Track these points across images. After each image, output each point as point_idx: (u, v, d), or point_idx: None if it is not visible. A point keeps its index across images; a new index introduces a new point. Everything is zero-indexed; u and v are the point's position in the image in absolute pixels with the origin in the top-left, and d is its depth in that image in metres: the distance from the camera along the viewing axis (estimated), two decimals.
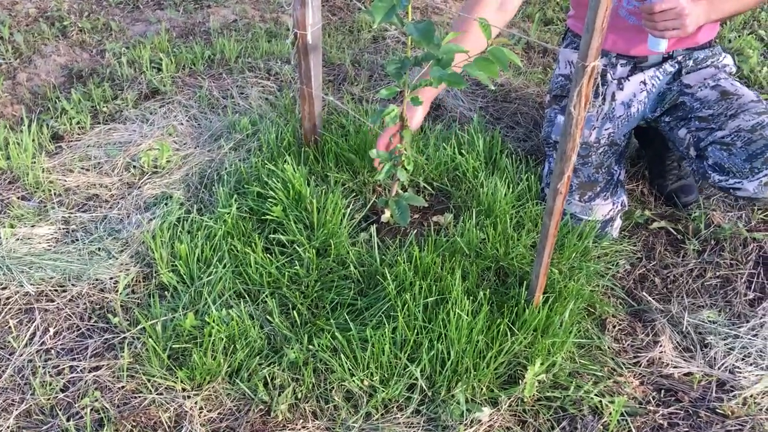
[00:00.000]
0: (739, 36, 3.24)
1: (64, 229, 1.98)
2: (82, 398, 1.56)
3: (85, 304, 1.78)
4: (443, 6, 3.54)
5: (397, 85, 1.75)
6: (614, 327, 1.82)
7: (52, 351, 1.67)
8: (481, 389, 1.58)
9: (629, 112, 2.06)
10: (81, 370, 1.63)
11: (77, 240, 1.94)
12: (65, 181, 2.14)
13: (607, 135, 2.04)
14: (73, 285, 1.81)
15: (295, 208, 1.97)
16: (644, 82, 2.08)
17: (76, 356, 1.66)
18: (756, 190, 1.81)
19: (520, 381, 1.59)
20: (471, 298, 1.71)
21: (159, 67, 2.78)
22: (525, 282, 1.78)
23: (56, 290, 1.80)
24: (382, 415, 1.55)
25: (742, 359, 1.73)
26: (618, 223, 2.06)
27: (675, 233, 2.11)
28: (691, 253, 2.03)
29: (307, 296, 1.77)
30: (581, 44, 1.28)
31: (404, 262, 1.78)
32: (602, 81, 2.08)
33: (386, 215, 2.02)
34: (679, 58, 2.07)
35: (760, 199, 1.85)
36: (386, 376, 1.59)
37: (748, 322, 1.82)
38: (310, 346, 1.64)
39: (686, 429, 1.56)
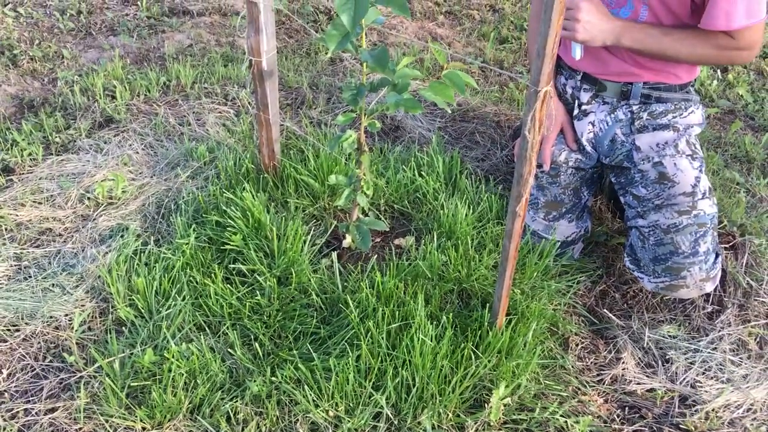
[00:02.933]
0: None
1: (16, 265, 1.92)
2: None
3: (39, 343, 1.72)
4: (400, 26, 3.56)
5: (354, 110, 1.75)
6: (577, 345, 1.83)
7: (6, 393, 1.61)
8: (447, 415, 1.57)
9: (586, 150, 2.05)
10: (36, 413, 1.57)
11: (30, 276, 1.89)
12: (17, 215, 2.08)
13: (574, 159, 2.04)
14: (26, 324, 1.76)
15: (255, 236, 1.95)
16: (593, 123, 2.03)
17: (30, 398, 1.61)
18: (654, 290, 1.84)
19: (486, 405, 1.59)
20: (434, 322, 1.71)
21: (113, 95, 2.74)
22: (488, 303, 1.78)
23: (9, 330, 1.75)
24: None
25: (703, 373, 1.75)
26: (579, 246, 2.07)
27: None
28: None
29: (270, 326, 1.75)
30: (532, 70, 1.29)
31: (367, 288, 1.77)
32: (573, 105, 2.08)
33: (348, 240, 2.00)
34: (634, 104, 1.96)
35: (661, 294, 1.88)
36: (351, 405, 1.57)
37: (707, 335, 1.85)
38: (273, 378, 1.61)
39: None
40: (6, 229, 2.04)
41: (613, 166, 2.04)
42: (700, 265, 1.75)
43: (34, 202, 2.15)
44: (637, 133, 1.96)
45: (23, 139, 2.42)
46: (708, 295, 1.97)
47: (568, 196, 2.03)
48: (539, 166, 2.04)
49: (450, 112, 1.88)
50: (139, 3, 3.61)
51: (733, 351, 1.81)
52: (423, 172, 2.26)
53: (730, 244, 2.10)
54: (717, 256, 1.82)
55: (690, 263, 1.75)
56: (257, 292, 1.81)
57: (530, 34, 2.14)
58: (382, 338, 1.65)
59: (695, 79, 1.99)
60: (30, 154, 2.36)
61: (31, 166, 2.32)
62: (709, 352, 1.80)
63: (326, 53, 2.92)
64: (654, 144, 1.92)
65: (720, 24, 1.71)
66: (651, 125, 1.95)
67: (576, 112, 2.05)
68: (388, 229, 2.07)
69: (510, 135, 2.58)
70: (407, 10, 1.47)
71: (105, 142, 2.44)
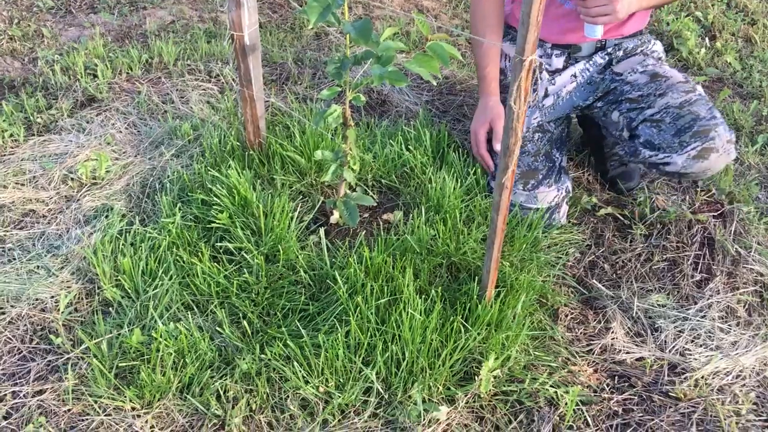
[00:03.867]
0: (676, 18, 3.29)
1: None
2: (26, 425, 1.50)
3: (25, 325, 1.71)
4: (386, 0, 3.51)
5: (339, 84, 1.72)
6: (566, 316, 1.83)
7: None
8: (438, 388, 1.57)
9: (557, 101, 2.11)
10: (24, 395, 1.56)
11: (14, 259, 1.87)
12: None
13: (535, 123, 2.08)
14: (12, 306, 1.74)
15: (242, 214, 1.93)
16: (574, 75, 2.14)
17: (18, 381, 1.60)
18: (684, 164, 1.83)
19: (476, 377, 1.59)
20: (423, 296, 1.70)
21: (94, 74, 2.69)
22: (477, 277, 1.78)
23: None
24: (339, 421, 1.52)
25: (692, 341, 1.75)
26: (564, 209, 2.07)
27: (622, 219, 2.13)
28: (639, 238, 2.06)
29: (258, 304, 1.74)
30: (518, 38, 1.27)
31: (355, 264, 1.76)
32: (539, 75, 2.11)
33: (335, 216, 1.99)
34: (609, 49, 2.11)
35: (689, 174, 1.86)
36: (341, 381, 1.57)
37: (695, 303, 1.85)
38: (263, 356, 1.60)
39: (641, 414, 1.58)
40: None
41: (598, 97, 2.13)
42: (723, 126, 1.83)
43: (16, 183, 2.12)
44: (615, 64, 2.12)
45: (4, 120, 2.38)
46: (696, 263, 1.97)
47: (541, 162, 2.05)
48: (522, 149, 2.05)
49: (436, 84, 1.87)
50: None
51: (722, 318, 1.82)
52: (410, 147, 2.24)
53: (719, 212, 2.10)
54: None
55: (714, 124, 1.82)
56: (245, 270, 1.80)
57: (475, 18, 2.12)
58: (371, 313, 1.65)
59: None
60: (11, 135, 2.33)
61: (12, 148, 2.29)
62: (698, 320, 1.80)
63: (309, 26, 2.88)
64: (631, 64, 2.09)
65: None
66: (624, 57, 2.13)
67: (546, 78, 2.12)
68: (375, 204, 2.05)
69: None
70: None
71: (87, 122, 2.41)
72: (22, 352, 1.66)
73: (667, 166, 1.86)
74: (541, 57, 2.11)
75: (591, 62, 2.12)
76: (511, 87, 1.33)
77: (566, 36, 2.07)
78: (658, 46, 2.18)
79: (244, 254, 1.83)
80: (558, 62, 2.13)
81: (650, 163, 1.91)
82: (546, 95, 2.13)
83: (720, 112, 1.90)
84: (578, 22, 1.98)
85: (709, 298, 1.86)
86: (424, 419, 1.51)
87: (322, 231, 1.92)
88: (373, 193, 2.12)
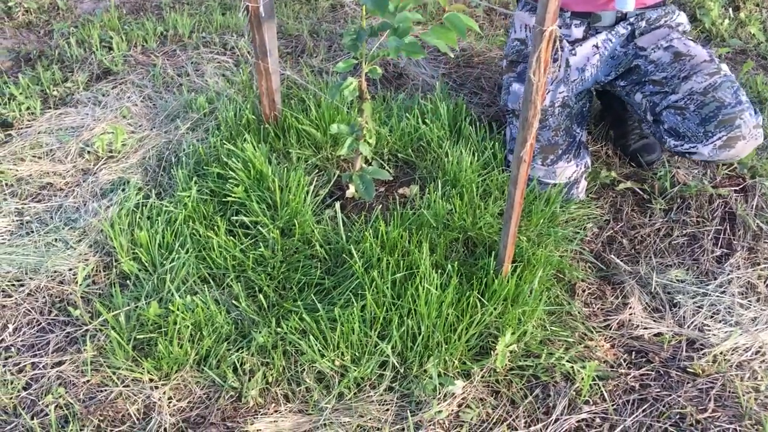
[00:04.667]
0: None
1: (17, 220, 1.91)
2: (45, 395, 1.52)
3: (44, 297, 1.72)
4: None
5: (355, 56, 1.70)
6: (584, 291, 1.81)
7: (12, 348, 1.62)
8: (453, 362, 1.57)
9: (583, 75, 2.05)
10: (43, 366, 1.58)
11: (32, 231, 1.88)
12: (17, 170, 2.06)
13: (561, 98, 2.02)
14: (30, 279, 1.75)
15: (258, 187, 1.92)
16: (597, 46, 2.06)
17: (37, 352, 1.61)
18: (711, 154, 1.81)
19: (492, 352, 1.59)
20: (439, 271, 1.70)
21: (110, 47, 2.69)
22: (493, 251, 1.77)
23: (13, 285, 1.75)
24: (354, 394, 1.53)
25: (711, 317, 1.74)
26: (583, 184, 2.04)
27: (641, 193, 2.10)
28: (658, 213, 2.03)
29: (274, 278, 1.74)
30: (538, 8, 1.24)
31: (371, 238, 1.75)
32: (559, 46, 2.05)
33: (351, 190, 1.98)
34: (632, 19, 2.04)
35: (716, 161, 1.85)
36: (357, 355, 1.57)
37: (715, 279, 1.83)
38: (279, 329, 1.61)
39: (658, 390, 1.57)
40: (6, 184, 2.02)
41: (620, 74, 2.07)
42: (749, 111, 1.79)
43: (33, 156, 2.13)
44: (638, 36, 2.04)
45: (21, 93, 2.38)
46: (717, 238, 1.94)
47: (561, 137, 2.01)
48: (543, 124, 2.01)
49: (453, 56, 1.84)
50: None
51: (742, 294, 1.79)
52: (427, 120, 2.22)
53: (740, 186, 2.07)
54: (754, 108, 1.85)
55: (740, 110, 1.78)
56: (260, 243, 1.80)
57: None
58: (387, 288, 1.64)
59: None
60: (28, 108, 2.33)
61: (29, 120, 2.29)
62: (717, 296, 1.78)
63: (327, 2, 2.84)
64: (655, 39, 2.01)
65: None
66: (647, 30, 2.04)
67: (567, 48, 2.05)
68: (391, 178, 2.04)
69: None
70: None
71: (103, 95, 2.41)
72: (41, 323, 1.67)
73: (693, 155, 1.85)
74: (560, 27, 2.06)
75: (613, 32, 2.05)
76: (530, 58, 1.30)
77: (591, 3, 2.01)
78: (682, 18, 2.10)
79: (260, 228, 1.83)
80: (578, 32, 2.06)
81: (676, 152, 1.89)
82: (568, 67, 2.07)
83: (744, 91, 1.85)
84: None
85: (729, 274, 1.84)
86: (439, 393, 1.51)
87: (337, 205, 1.91)
88: (389, 167, 2.10)
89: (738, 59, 2.81)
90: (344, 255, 1.76)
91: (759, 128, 1.80)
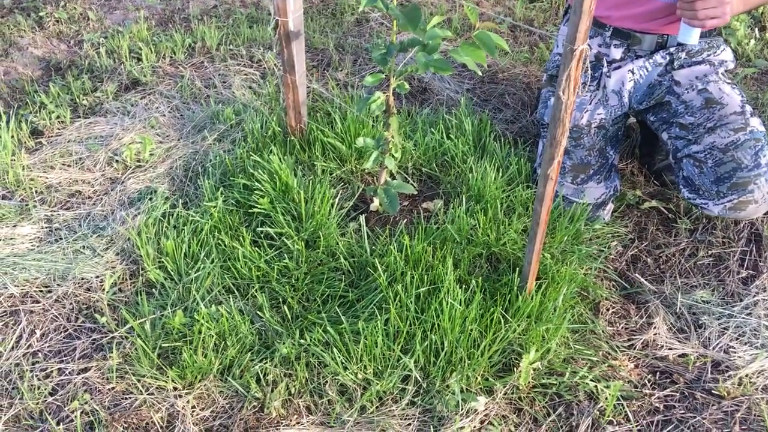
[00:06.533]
0: None
1: (47, 227, 1.94)
2: (71, 401, 1.53)
3: (71, 304, 1.74)
4: None
5: (383, 71, 1.72)
6: (608, 310, 1.81)
7: (39, 354, 1.64)
8: (476, 378, 1.57)
9: (622, 101, 2.03)
10: (69, 373, 1.60)
11: (61, 239, 1.91)
12: (46, 178, 2.10)
13: (598, 119, 2.01)
14: (58, 285, 1.78)
15: (283, 199, 1.94)
16: (632, 72, 2.02)
17: (63, 358, 1.63)
18: (721, 213, 1.81)
19: (515, 369, 1.58)
20: (463, 286, 1.70)
21: (139, 57, 2.73)
22: (517, 268, 1.77)
23: (41, 291, 1.77)
24: (377, 408, 1.53)
25: (737, 339, 1.72)
26: (610, 207, 2.04)
27: (666, 212, 2.09)
28: (683, 232, 2.02)
29: (298, 290, 1.75)
30: (570, 26, 1.25)
31: (395, 252, 1.76)
32: (598, 65, 2.04)
33: (375, 204, 1.99)
34: (672, 48, 1.98)
35: (727, 218, 1.84)
36: (380, 368, 1.57)
37: (741, 300, 1.82)
38: (302, 341, 1.61)
39: (682, 411, 1.56)
40: (36, 192, 2.05)
41: (651, 106, 2.03)
42: (766, 177, 1.76)
43: (63, 164, 2.16)
44: (675, 70, 1.98)
45: (51, 102, 2.42)
46: (743, 259, 1.93)
47: (594, 158, 1.99)
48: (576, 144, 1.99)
49: (480, 74, 1.84)
50: None
51: None
52: (451, 135, 2.23)
53: None
54: None
55: (755, 175, 1.75)
56: (285, 255, 1.81)
57: None
58: (411, 302, 1.65)
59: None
60: (58, 117, 2.37)
61: (59, 129, 2.33)
62: (743, 318, 1.76)
63: (352, 13, 2.87)
64: (693, 76, 1.96)
65: None
66: (687, 63, 1.98)
67: (605, 69, 2.01)
68: (416, 193, 2.05)
69: (537, 96, 2.53)
70: None
71: (132, 105, 2.44)
72: (68, 330, 1.69)
73: (704, 210, 1.85)
74: (600, 46, 2.04)
75: (651, 61, 2.00)
76: (560, 76, 1.31)
77: (629, 21, 1.96)
78: (727, 54, 2.02)
79: (285, 240, 1.84)
80: (616, 53, 2.03)
81: (689, 202, 1.89)
82: (605, 88, 2.03)
83: None
84: (647, 6, 1.91)
85: (755, 296, 1.82)
86: (462, 409, 1.51)
87: (362, 218, 1.92)
88: (414, 182, 2.11)
89: (764, 79, 2.79)
90: (368, 268, 1.77)
91: None
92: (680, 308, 1.80)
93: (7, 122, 2.26)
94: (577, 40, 1.25)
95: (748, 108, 1.86)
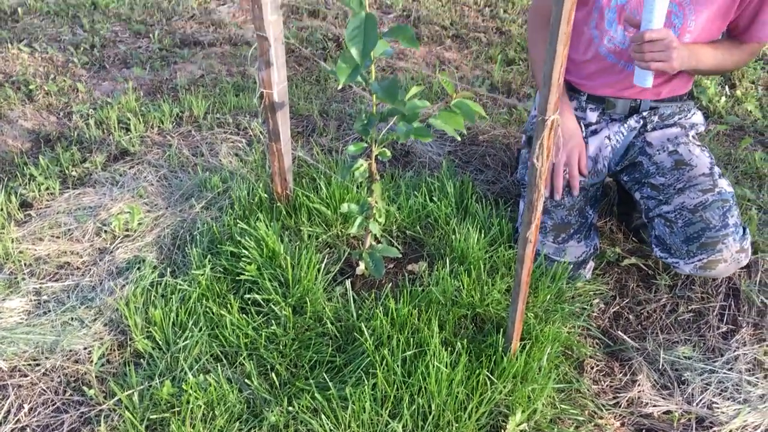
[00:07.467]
0: None
1: (35, 300, 1.96)
2: None
3: (59, 377, 1.75)
4: (409, 52, 3.60)
5: (365, 140, 1.77)
6: (592, 368, 1.83)
7: (27, 429, 1.63)
8: None
9: (596, 167, 2.10)
10: None
11: (49, 311, 1.92)
12: (35, 250, 2.12)
13: (579, 182, 2.07)
14: (46, 358, 1.78)
15: (270, 265, 1.97)
16: (609, 138, 2.11)
17: None
18: (692, 272, 1.87)
19: (503, 430, 1.59)
20: (449, 348, 1.72)
21: (127, 128, 2.78)
22: (502, 328, 1.79)
23: (30, 365, 1.77)
24: None
25: (719, 394, 1.74)
26: (591, 265, 2.08)
27: (646, 269, 2.14)
28: (663, 288, 2.06)
29: (285, 356, 1.76)
30: (540, 99, 1.31)
31: (381, 316, 1.78)
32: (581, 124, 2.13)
33: (361, 267, 2.02)
34: (644, 113, 2.08)
35: (699, 276, 1.90)
36: None
37: (722, 355, 1.85)
38: (291, 408, 1.62)
39: None
40: (25, 264, 2.07)
41: (625, 167, 2.12)
42: (733, 236, 1.81)
43: (52, 236, 2.19)
44: (647, 132, 2.08)
45: (40, 174, 2.46)
46: (722, 314, 1.97)
47: (574, 217, 2.05)
48: (551, 195, 2.05)
49: (459, 139, 1.91)
50: (151, 35, 3.68)
51: (749, 371, 1.81)
52: (434, 198, 2.28)
53: None
54: (744, 229, 1.87)
55: (723, 235, 1.80)
56: (273, 321, 1.83)
57: (533, 60, 2.18)
58: (398, 366, 1.66)
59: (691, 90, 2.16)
60: (47, 189, 2.40)
61: (48, 201, 2.36)
62: (725, 373, 1.79)
63: (338, 86, 2.96)
64: (664, 138, 2.05)
65: None
66: (659, 125, 2.09)
67: (583, 134, 2.09)
68: (401, 256, 2.08)
69: (517, 157, 2.60)
70: (416, 43, 1.50)
71: (120, 175, 2.48)
72: (56, 403, 1.69)
73: (676, 269, 1.90)
74: (576, 110, 2.13)
75: (625, 126, 2.11)
76: (533, 144, 1.37)
77: (608, 87, 2.07)
78: (697, 117, 2.13)
79: (272, 306, 1.86)
80: (592, 116, 2.12)
81: (662, 261, 1.94)
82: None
83: (738, 212, 1.85)
84: (620, 76, 2.02)
85: (735, 350, 1.85)
86: None
87: (348, 283, 1.95)
88: (398, 244, 2.15)
89: (735, 135, 2.89)
90: (355, 332, 1.79)
91: (743, 252, 1.82)
92: (663, 364, 1.83)
93: None
94: (547, 110, 1.31)
95: (717, 170, 1.93)
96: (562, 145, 2.02)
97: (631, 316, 2.00)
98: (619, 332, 1.93)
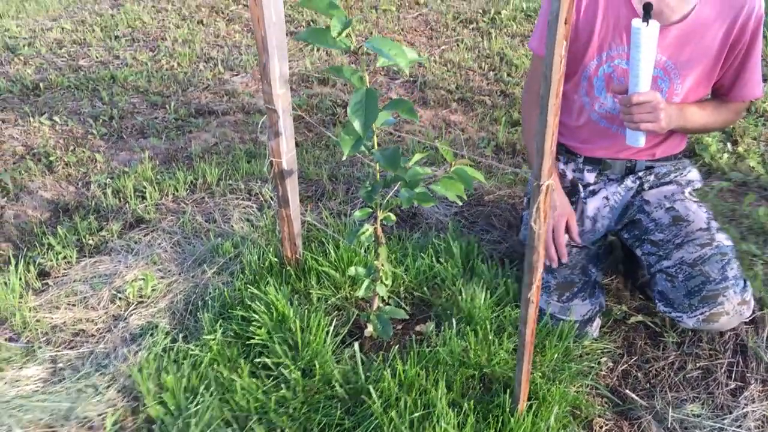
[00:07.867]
0: None
1: (51, 368, 2.00)
2: None
3: None
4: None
5: (370, 206, 1.83)
6: (601, 428, 1.83)
7: None
8: None
9: (596, 227, 2.15)
10: None
11: (65, 378, 1.96)
12: (52, 318, 2.17)
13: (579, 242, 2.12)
14: (61, 426, 1.81)
15: (279, 329, 2.01)
16: (607, 198, 2.17)
17: None
18: (696, 325, 1.88)
19: None
20: (456, 409, 1.73)
21: (143, 196, 2.87)
22: (509, 388, 1.81)
23: None
24: None
25: None
26: (597, 323, 2.10)
27: (653, 326, 2.15)
28: (671, 346, 2.07)
29: (295, 419, 1.78)
30: (534, 166, 1.37)
31: (388, 378, 1.80)
32: (574, 190, 2.19)
33: (369, 329, 2.05)
34: (640, 173, 2.14)
35: (702, 330, 1.93)
36: None
37: (731, 413, 1.84)
38: None
39: None
40: (42, 333, 2.13)
41: (625, 225, 2.16)
42: (734, 289, 1.82)
43: (68, 304, 2.24)
44: (645, 191, 2.13)
45: (58, 243, 2.54)
46: (730, 371, 1.97)
47: (577, 275, 2.08)
48: (560, 262, 2.09)
49: (461, 204, 1.97)
50: (167, 106, 3.82)
51: (758, 428, 1.80)
52: (441, 259, 2.32)
53: (750, 318, 2.11)
54: (745, 282, 1.88)
55: (723, 288, 1.82)
56: (282, 385, 1.86)
57: (526, 130, 2.24)
58: (405, 428, 1.68)
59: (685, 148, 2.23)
60: (65, 257, 2.48)
61: (65, 269, 2.43)
62: (734, 430, 1.79)
63: (343, 157, 3.05)
64: (661, 195, 2.10)
65: (755, 93, 1.96)
66: (656, 184, 2.16)
67: (582, 194, 2.14)
68: (408, 317, 2.12)
69: (520, 218, 2.65)
70: (415, 114, 1.57)
71: (135, 242, 2.56)
72: None
73: (680, 323, 1.92)
74: (574, 172, 2.20)
75: (622, 186, 2.16)
76: (531, 208, 1.42)
77: (604, 150, 2.14)
78: (693, 174, 2.19)
79: (282, 369, 1.89)
80: (590, 177, 2.18)
81: (666, 316, 1.97)
82: (584, 217, 2.15)
83: (737, 265, 1.88)
84: (614, 140, 2.08)
85: (744, 407, 1.85)
86: None
87: (356, 345, 1.98)
88: (406, 305, 2.18)
89: (739, 191, 2.92)
90: (363, 395, 1.81)
91: (745, 304, 1.84)
92: (672, 423, 1.83)
93: (16, 265, 2.36)
94: (542, 176, 1.37)
95: (714, 224, 1.97)
96: (549, 216, 2.07)
97: (639, 374, 2.00)
98: (628, 390, 1.94)
